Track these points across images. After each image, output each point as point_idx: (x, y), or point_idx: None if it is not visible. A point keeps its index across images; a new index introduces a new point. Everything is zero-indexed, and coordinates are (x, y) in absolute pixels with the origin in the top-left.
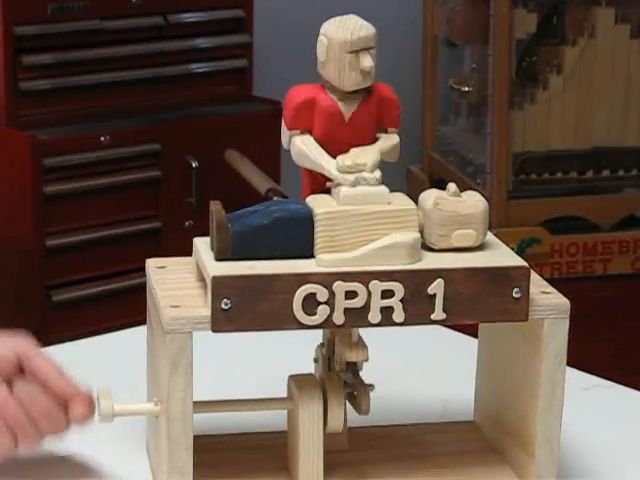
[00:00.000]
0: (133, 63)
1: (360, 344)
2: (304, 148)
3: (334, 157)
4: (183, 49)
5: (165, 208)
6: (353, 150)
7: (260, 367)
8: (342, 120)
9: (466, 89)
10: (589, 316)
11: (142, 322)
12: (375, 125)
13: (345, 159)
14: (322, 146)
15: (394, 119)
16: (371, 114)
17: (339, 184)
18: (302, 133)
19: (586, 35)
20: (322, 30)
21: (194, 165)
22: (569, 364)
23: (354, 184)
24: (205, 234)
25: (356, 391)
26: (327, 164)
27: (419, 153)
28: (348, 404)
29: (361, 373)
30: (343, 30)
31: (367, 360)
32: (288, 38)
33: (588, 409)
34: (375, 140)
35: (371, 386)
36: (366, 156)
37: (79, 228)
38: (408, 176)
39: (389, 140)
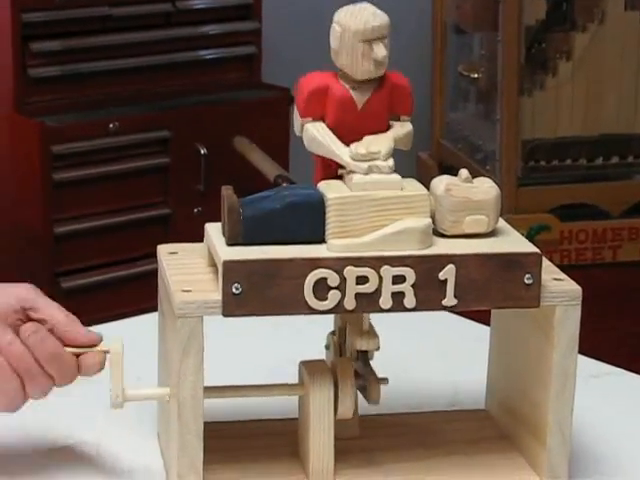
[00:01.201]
0: (142, 50)
1: (371, 332)
2: (317, 135)
3: (347, 144)
4: (192, 36)
5: (174, 195)
6: (366, 138)
7: (271, 353)
8: (355, 108)
9: (475, 76)
10: (599, 303)
11: (151, 309)
12: (388, 113)
13: (359, 147)
14: (335, 133)
15: (407, 106)
16: (384, 102)
17: (352, 171)
18: (315, 120)
19: (596, 21)
20: (335, 18)
21: (203, 152)
22: (578, 351)
23: (367, 172)
24: (214, 221)
25: (367, 381)
26: (340, 151)
27: (428, 140)
28: (359, 392)
29: (372, 360)
30: (357, 19)
31: (378, 349)
32: (297, 24)
33: (599, 396)
34: (388, 128)
35: (385, 380)
36: (380, 144)
37: (88, 215)
38: (417, 162)
39: (403, 128)
